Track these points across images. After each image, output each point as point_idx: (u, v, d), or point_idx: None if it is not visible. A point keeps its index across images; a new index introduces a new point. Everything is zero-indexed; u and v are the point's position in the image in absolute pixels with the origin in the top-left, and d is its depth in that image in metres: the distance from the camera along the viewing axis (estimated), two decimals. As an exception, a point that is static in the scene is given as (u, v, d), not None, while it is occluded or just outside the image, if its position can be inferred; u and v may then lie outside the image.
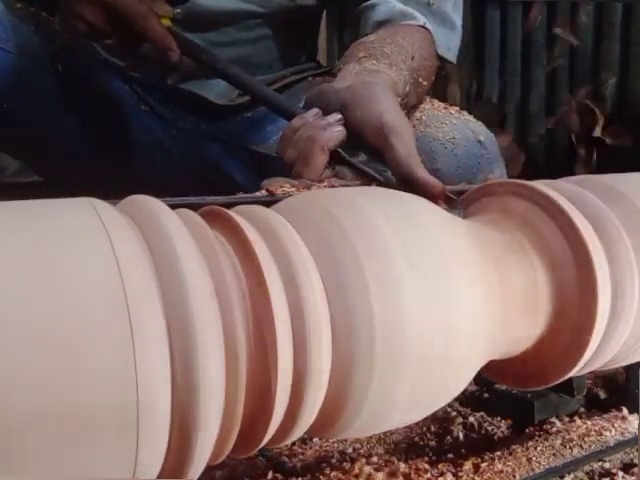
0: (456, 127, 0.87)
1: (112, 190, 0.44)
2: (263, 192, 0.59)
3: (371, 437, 0.65)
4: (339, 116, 0.66)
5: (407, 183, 0.60)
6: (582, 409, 0.70)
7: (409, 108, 0.84)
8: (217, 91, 0.98)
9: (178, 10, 0.83)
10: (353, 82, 0.70)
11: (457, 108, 0.92)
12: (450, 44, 0.93)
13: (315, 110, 0.68)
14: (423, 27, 0.88)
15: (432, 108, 0.90)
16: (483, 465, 0.59)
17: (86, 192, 0.40)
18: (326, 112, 0.67)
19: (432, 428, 0.69)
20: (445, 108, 0.91)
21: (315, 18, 1.06)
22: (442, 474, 0.57)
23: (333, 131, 0.65)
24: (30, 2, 0.89)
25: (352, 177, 0.64)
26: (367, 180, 0.64)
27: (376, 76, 0.73)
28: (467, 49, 2.24)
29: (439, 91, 2.12)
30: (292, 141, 0.66)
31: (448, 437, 0.67)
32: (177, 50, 0.80)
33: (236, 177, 0.98)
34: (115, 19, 0.78)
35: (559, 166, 2.11)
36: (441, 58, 0.92)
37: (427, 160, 0.85)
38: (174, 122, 1.00)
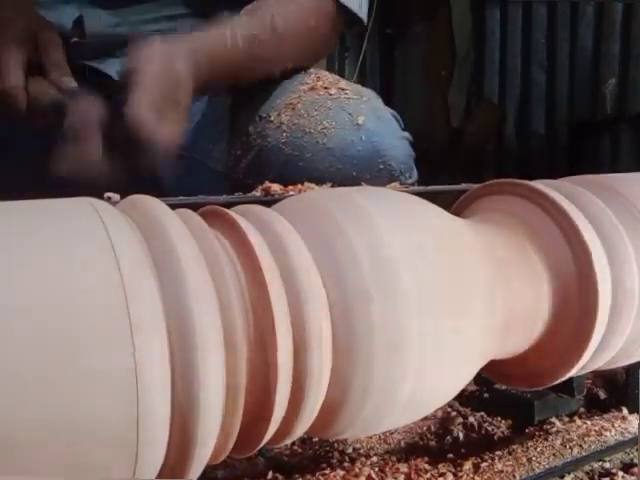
0: (329, 113, 0.77)
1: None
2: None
3: (371, 437, 0.65)
4: None
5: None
6: (582, 409, 0.70)
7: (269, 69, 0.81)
8: (119, 68, 0.89)
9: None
10: None
11: (343, 84, 0.81)
12: (362, 2, 0.87)
13: None
14: None
15: (311, 89, 0.81)
16: (483, 465, 0.59)
17: (86, 192, 0.40)
18: None
19: (432, 428, 0.68)
20: (326, 88, 0.80)
21: None
22: (442, 474, 0.57)
23: None
24: None
25: None
26: None
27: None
28: (467, 49, 2.24)
29: (440, 91, 2.13)
30: None
31: (448, 437, 0.67)
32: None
33: None
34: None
35: (559, 165, 2.11)
36: (353, 17, 0.86)
37: (300, 159, 0.76)
38: None
